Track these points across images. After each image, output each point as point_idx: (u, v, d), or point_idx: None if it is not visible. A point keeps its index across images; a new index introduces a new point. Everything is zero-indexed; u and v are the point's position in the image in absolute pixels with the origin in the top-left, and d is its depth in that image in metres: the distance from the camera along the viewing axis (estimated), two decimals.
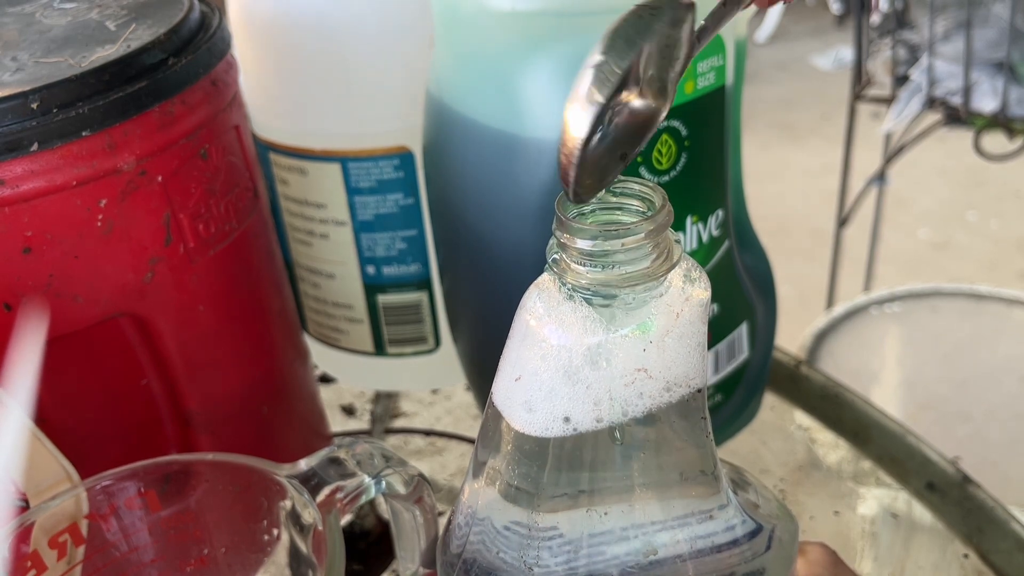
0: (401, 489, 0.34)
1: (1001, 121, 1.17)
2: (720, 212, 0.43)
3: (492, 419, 0.29)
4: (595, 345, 0.26)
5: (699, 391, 0.28)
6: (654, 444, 0.28)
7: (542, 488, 0.28)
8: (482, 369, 0.47)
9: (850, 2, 2.07)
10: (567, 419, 0.27)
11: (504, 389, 0.28)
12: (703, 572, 0.29)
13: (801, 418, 0.56)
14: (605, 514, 0.28)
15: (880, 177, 1.39)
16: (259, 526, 0.35)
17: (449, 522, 0.32)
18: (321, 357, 0.56)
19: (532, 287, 0.28)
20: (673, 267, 0.26)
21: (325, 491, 0.32)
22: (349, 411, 0.58)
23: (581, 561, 0.28)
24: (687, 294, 0.27)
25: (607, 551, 0.28)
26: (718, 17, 0.28)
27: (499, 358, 0.29)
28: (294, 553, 0.33)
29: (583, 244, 0.26)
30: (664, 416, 0.28)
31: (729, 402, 0.47)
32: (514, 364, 0.28)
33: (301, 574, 0.33)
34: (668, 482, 0.29)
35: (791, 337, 0.81)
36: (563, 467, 0.28)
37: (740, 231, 0.46)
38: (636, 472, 0.28)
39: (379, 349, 0.53)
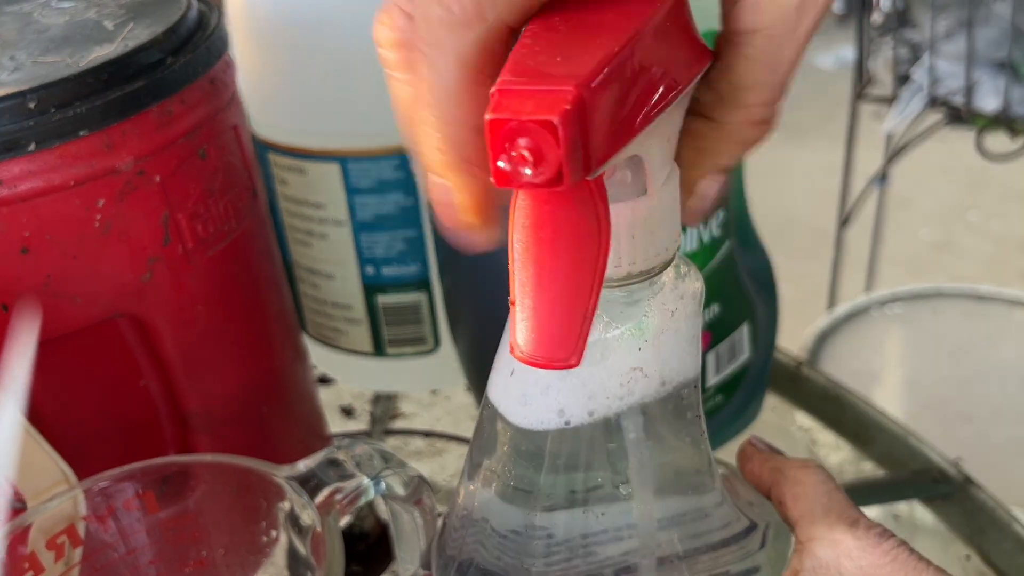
0: (400, 490, 0.34)
1: (1003, 121, 1.17)
2: (721, 212, 0.43)
3: (488, 419, 0.29)
4: (590, 343, 0.26)
5: (694, 384, 0.28)
6: (649, 442, 0.28)
7: (539, 488, 0.28)
8: (482, 369, 0.47)
9: (851, 1, 2.07)
10: (561, 411, 0.27)
11: (500, 384, 0.28)
12: (699, 570, 0.29)
13: (802, 419, 0.56)
14: (602, 514, 0.28)
15: (882, 177, 1.38)
16: (258, 527, 0.34)
17: (444, 524, 0.31)
18: (320, 358, 0.56)
19: None
20: (667, 266, 0.26)
21: (324, 492, 0.32)
22: (348, 412, 0.58)
23: (578, 561, 0.28)
24: (680, 291, 0.27)
25: (604, 551, 0.28)
26: None
27: None
28: (293, 554, 0.33)
29: None
30: (659, 414, 0.28)
31: (730, 403, 0.47)
32: (509, 360, 0.28)
33: (300, 575, 0.33)
34: (664, 481, 0.29)
35: (792, 337, 0.81)
36: (559, 467, 0.28)
37: (741, 231, 0.46)
38: (632, 471, 0.28)
39: (378, 350, 0.53)
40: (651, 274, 0.26)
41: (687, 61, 0.24)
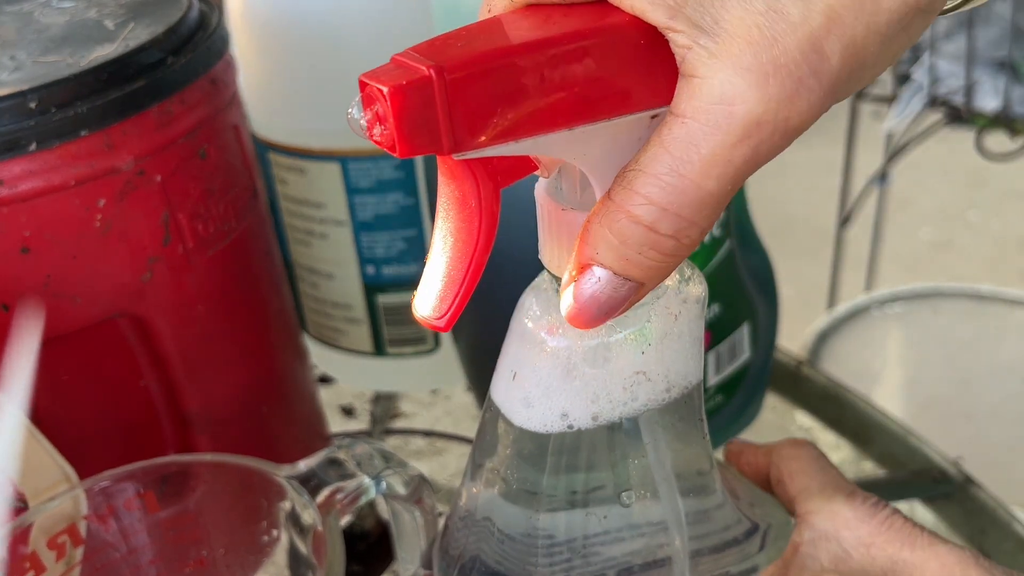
0: (401, 490, 0.34)
1: (1003, 120, 1.17)
2: (722, 212, 0.43)
3: (490, 420, 0.29)
4: (592, 347, 0.26)
5: (697, 386, 0.28)
6: (652, 445, 0.28)
7: (542, 490, 0.28)
8: (482, 369, 0.47)
9: None
10: (565, 414, 0.27)
11: (503, 387, 0.28)
12: (700, 572, 0.29)
13: (802, 419, 0.56)
14: (605, 516, 0.28)
15: (881, 177, 1.38)
16: (258, 527, 0.34)
17: (446, 525, 0.31)
18: (320, 357, 0.56)
19: (528, 289, 0.28)
20: None
21: (325, 492, 0.32)
22: (348, 412, 0.58)
23: (580, 562, 0.28)
24: (684, 294, 0.27)
25: (606, 552, 0.28)
26: None
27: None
28: (293, 554, 0.33)
29: None
30: (662, 417, 0.28)
31: (730, 403, 0.47)
32: (512, 363, 0.28)
33: (300, 575, 0.33)
34: (666, 482, 0.28)
35: (792, 337, 0.81)
36: (562, 469, 0.28)
37: (742, 231, 0.46)
38: (635, 473, 0.28)
39: (379, 349, 0.53)
40: None
41: (653, 91, 0.23)
